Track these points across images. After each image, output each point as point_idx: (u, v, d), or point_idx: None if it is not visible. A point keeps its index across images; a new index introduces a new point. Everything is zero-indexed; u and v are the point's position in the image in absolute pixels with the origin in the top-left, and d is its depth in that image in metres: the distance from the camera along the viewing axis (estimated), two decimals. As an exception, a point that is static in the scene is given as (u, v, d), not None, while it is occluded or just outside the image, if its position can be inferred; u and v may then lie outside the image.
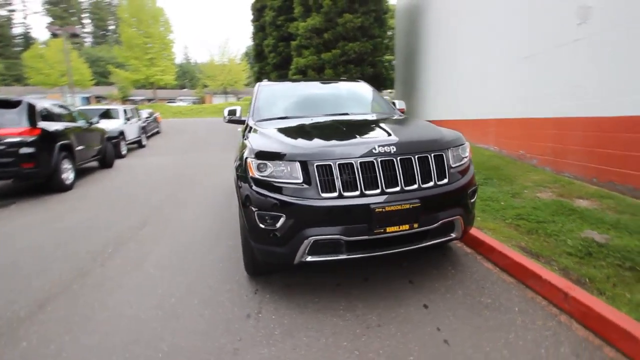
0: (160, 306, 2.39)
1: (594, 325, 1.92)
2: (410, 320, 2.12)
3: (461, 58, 7.54)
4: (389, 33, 12.41)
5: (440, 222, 2.24)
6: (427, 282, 2.56)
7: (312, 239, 2.03)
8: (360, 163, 2.10)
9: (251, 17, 17.50)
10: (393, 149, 2.15)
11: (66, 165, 6.06)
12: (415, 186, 2.16)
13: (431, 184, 2.22)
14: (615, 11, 3.94)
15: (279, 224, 2.08)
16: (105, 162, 8.46)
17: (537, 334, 1.95)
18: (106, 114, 11.13)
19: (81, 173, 7.45)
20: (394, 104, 3.84)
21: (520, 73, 5.51)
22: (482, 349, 1.85)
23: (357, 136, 2.33)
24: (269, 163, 2.16)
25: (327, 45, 11.38)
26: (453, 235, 2.38)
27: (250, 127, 3.06)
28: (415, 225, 2.13)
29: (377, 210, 2.02)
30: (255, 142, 2.38)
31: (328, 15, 11.00)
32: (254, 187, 2.17)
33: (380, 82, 11.81)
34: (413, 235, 2.20)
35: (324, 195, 2.04)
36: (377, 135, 2.37)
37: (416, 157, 2.20)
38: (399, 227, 2.10)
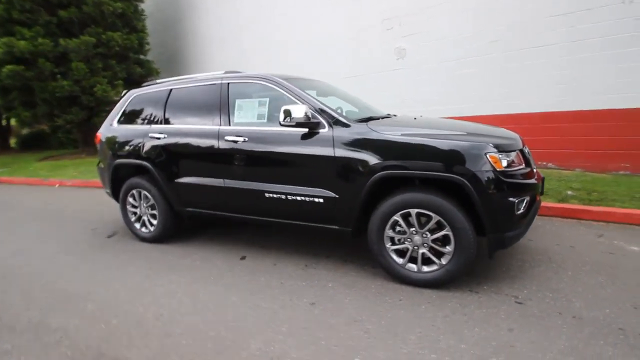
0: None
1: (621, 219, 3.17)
2: (586, 255, 2.56)
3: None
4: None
5: None
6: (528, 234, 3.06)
7: (532, 209, 2.46)
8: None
9: None
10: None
11: None
12: None
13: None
14: (416, 55, 6.36)
15: (524, 206, 2.32)
16: None
17: (614, 231, 2.98)
18: None
19: None
20: None
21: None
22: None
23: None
24: (504, 155, 2.28)
25: (68, 28, 8.03)
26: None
27: (374, 130, 2.47)
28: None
29: (540, 176, 2.75)
30: (487, 138, 2.31)
31: (63, -16, 7.76)
32: (507, 179, 2.21)
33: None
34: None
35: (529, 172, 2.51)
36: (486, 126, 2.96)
37: None
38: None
